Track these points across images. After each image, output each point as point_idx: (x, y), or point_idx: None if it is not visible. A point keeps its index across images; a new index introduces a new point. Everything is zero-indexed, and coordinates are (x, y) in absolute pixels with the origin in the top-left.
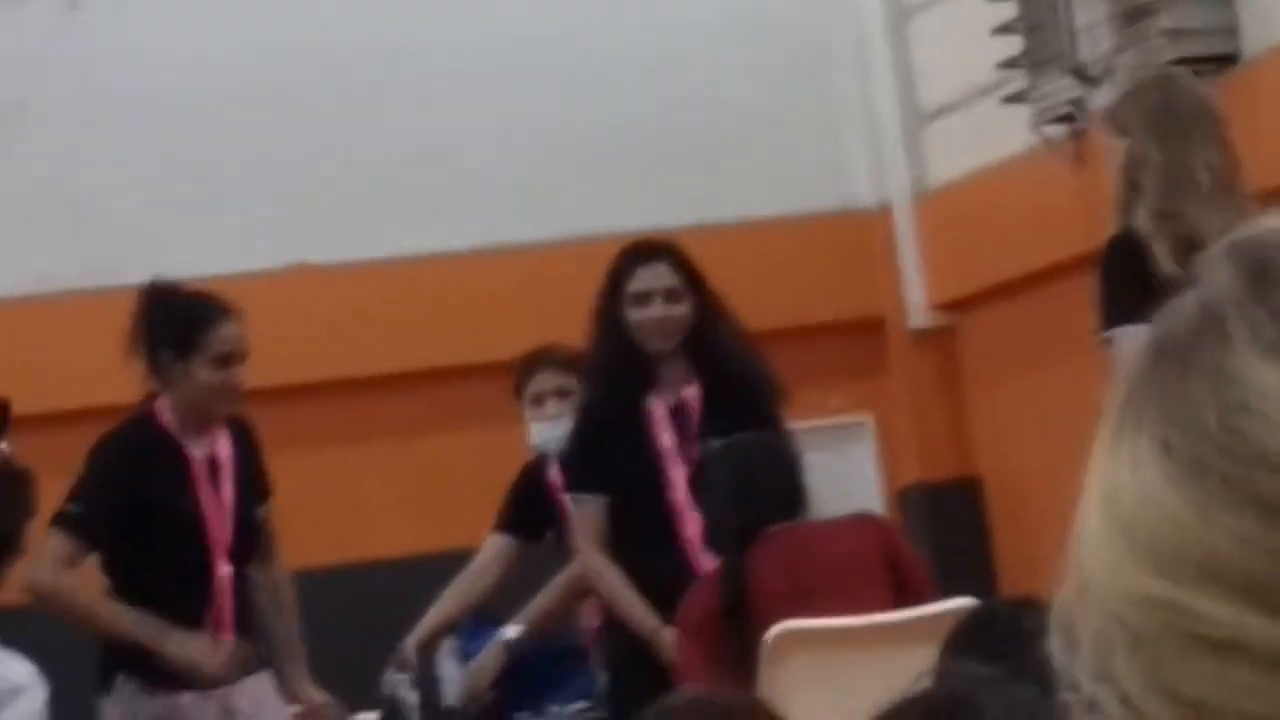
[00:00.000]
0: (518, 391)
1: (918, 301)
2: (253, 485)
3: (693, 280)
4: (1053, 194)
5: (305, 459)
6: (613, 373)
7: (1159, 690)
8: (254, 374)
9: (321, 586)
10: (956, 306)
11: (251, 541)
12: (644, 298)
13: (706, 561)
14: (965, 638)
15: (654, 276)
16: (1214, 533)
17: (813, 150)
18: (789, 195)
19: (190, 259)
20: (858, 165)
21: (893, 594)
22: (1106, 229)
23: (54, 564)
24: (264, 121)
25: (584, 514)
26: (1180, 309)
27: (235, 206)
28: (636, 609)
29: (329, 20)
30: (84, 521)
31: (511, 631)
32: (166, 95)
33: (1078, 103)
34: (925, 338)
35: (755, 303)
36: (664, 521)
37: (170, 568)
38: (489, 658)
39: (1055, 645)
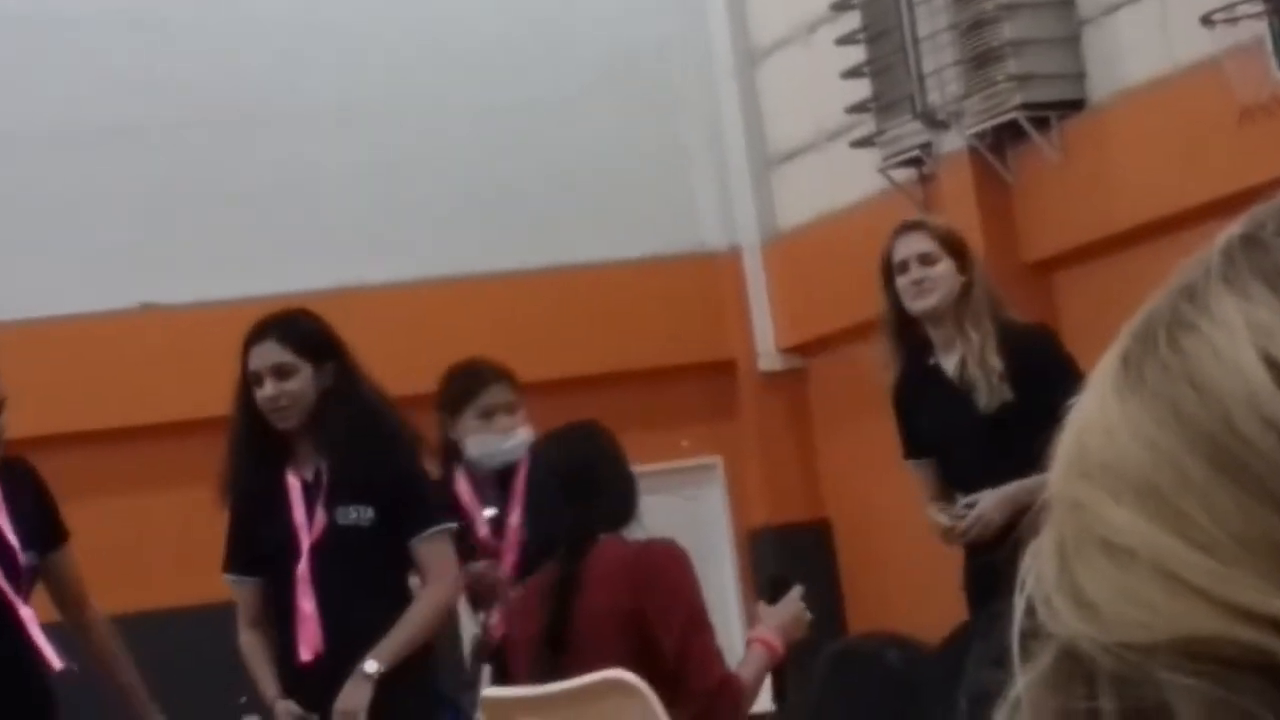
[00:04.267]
0: (456, 406)
1: (767, 344)
2: (31, 530)
3: (319, 352)
4: None
5: (152, 500)
6: (249, 448)
7: (1068, 590)
8: (93, 415)
9: (159, 628)
10: (806, 349)
11: (31, 585)
12: (256, 378)
13: (310, 642)
14: (827, 674)
15: (259, 356)
16: (1135, 444)
17: (663, 194)
18: (640, 238)
19: (33, 299)
20: (708, 209)
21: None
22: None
23: None
24: (110, 158)
25: (239, 595)
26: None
27: (79, 245)
28: (262, 683)
29: (179, 60)
30: None
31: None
32: (15, 130)
33: (926, 146)
34: (775, 380)
35: (606, 345)
36: (288, 597)
37: None
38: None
39: (1025, 559)
